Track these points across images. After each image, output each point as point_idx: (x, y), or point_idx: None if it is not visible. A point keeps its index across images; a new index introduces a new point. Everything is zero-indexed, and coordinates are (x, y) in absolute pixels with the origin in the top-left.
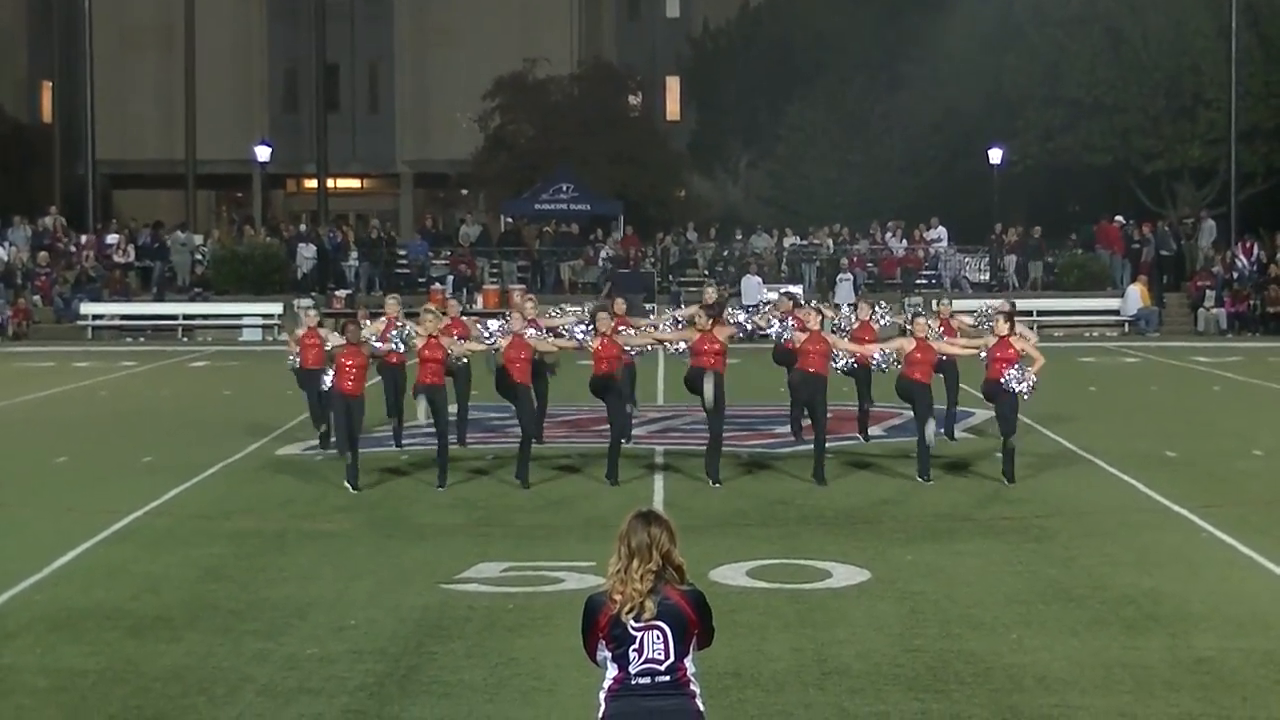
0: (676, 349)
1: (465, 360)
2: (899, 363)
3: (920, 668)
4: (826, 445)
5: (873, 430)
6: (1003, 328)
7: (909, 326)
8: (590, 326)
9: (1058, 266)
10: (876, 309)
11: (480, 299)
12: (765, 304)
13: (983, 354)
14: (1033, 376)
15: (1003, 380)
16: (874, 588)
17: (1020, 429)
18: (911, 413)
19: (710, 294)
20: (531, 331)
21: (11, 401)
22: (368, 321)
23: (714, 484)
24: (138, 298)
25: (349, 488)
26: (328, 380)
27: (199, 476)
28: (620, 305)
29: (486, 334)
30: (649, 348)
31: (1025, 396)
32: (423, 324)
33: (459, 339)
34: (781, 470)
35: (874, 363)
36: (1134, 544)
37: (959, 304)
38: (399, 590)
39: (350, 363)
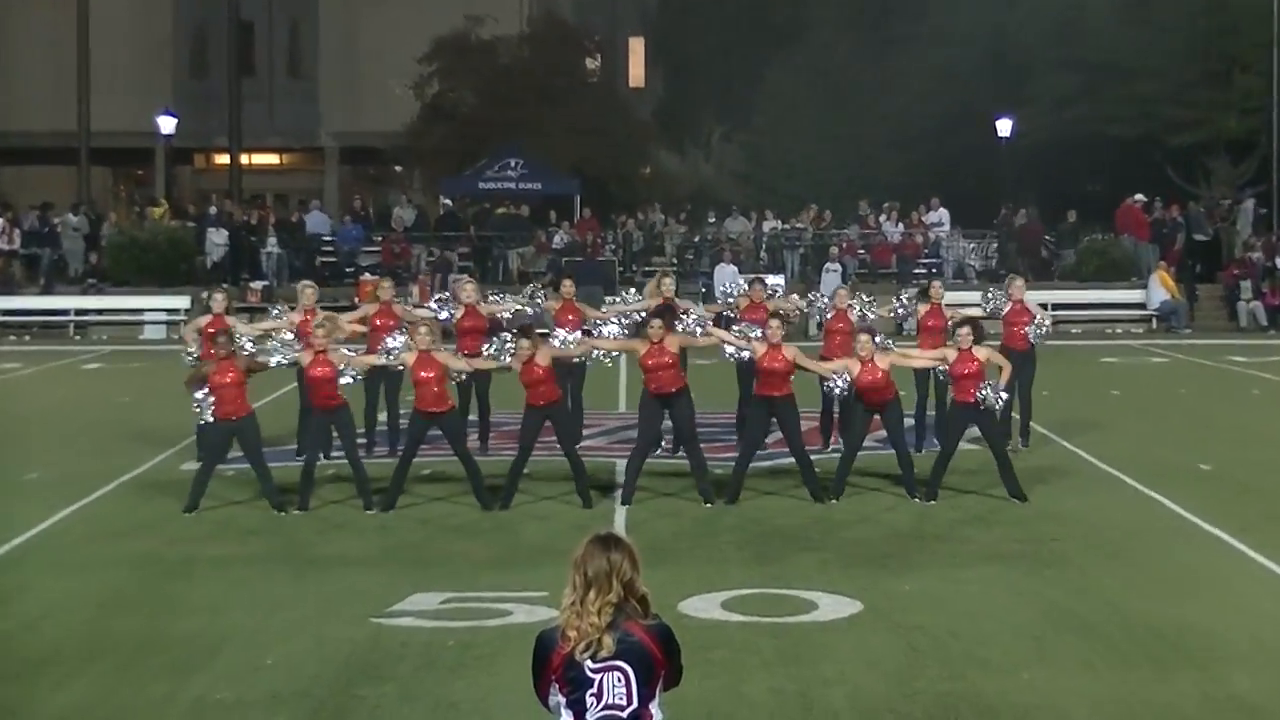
0: (611, 359)
1: (358, 377)
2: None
3: (919, 712)
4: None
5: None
6: (966, 339)
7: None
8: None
9: (1076, 253)
10: (860, 301)
11: (416, 290)
12: (729, 296)
13: (942, 369)
14: (1003, 389)
15: (976, 400)
16: (866, 620)
17: (1034, 438)
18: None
19: (668, 285)
20: (458, 357)
21: None
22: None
23: (706, 504)
24: (22, 290)
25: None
26: (205, 411)
27: (93, 494)
28: (569, 288)
29: (390, 349)
30: (586, 358)
31: (999, 406)
32: (314, 336)
33: (393, 334)
34: (760, 486)
35: (836, 391)
36: (1161, 569)
37: (961, 296)
38: (323, 624)
39: (226, 379)
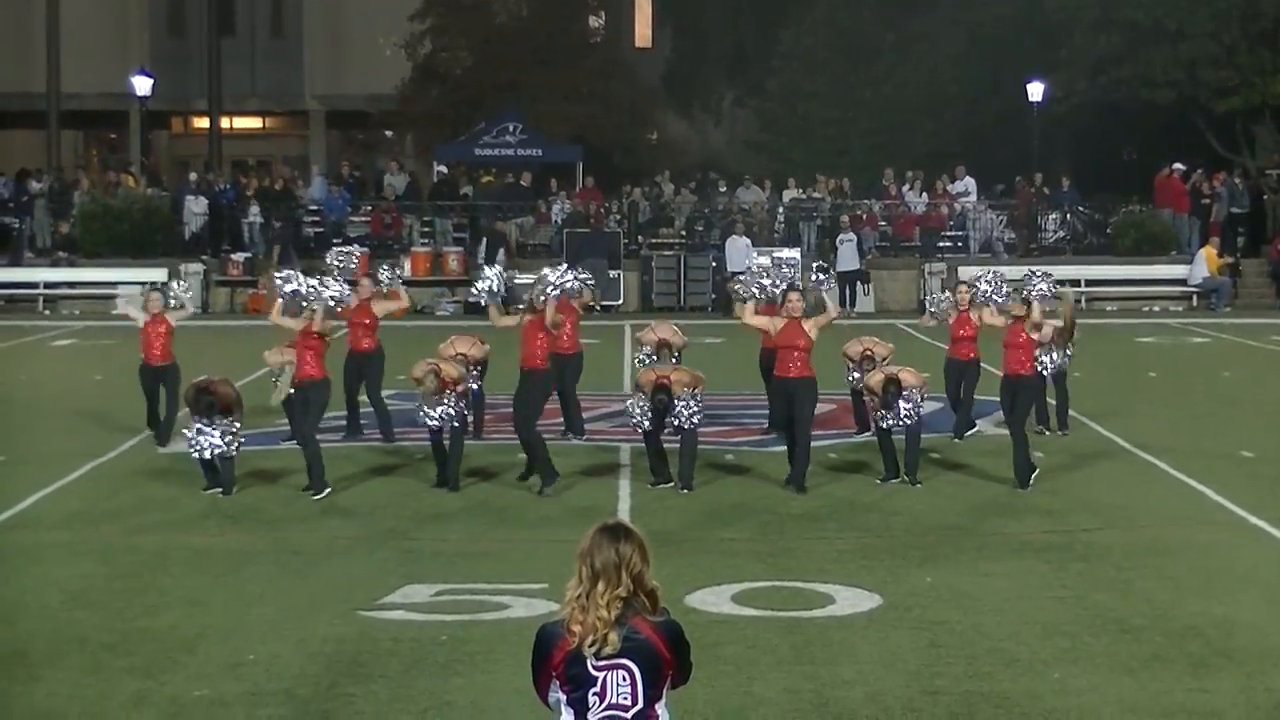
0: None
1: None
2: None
3: (942, 713)
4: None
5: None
6: (1020, 309)
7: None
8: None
9: (1110, 226)
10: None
11: (408, 264)
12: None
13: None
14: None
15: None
16: (886, 616)
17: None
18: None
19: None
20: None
21: None
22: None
23: (683, 489)
24: None
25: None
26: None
27: (63, 480)
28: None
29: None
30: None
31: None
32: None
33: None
34: (773, 472)
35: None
36: (1200, 563)
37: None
38: (307, 619)
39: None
